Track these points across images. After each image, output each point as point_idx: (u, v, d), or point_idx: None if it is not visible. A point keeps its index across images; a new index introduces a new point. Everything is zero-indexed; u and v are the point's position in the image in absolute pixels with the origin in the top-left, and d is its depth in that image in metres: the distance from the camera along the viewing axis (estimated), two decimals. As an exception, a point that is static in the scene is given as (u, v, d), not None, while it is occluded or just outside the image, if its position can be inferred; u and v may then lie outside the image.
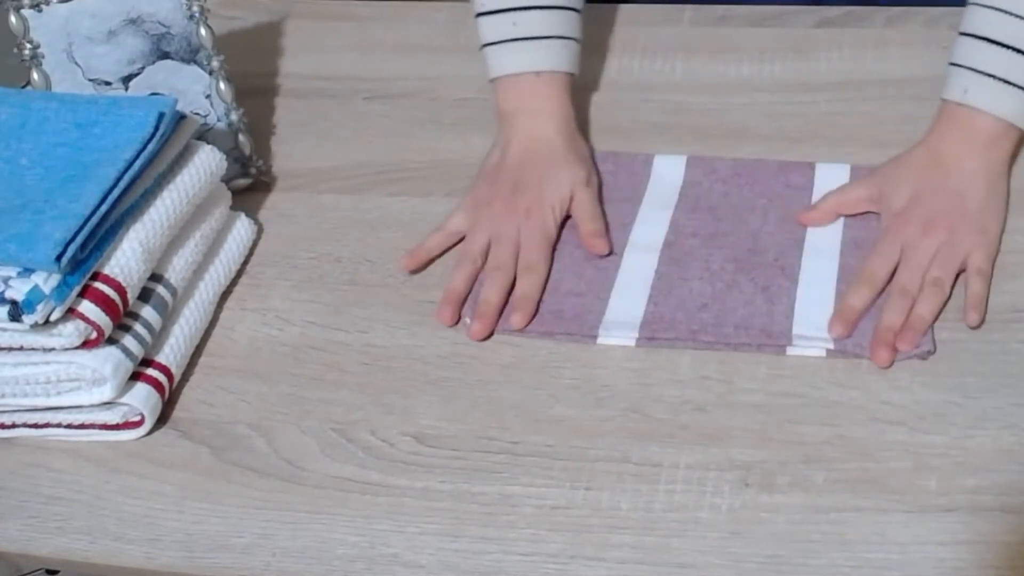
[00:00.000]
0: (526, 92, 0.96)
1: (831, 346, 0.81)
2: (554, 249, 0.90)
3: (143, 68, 0.97)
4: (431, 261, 0.91)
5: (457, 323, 0.86)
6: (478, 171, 0.96)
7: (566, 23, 0.97)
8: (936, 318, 0.82)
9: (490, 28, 0.98)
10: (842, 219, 0.89)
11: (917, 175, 0.88)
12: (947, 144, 0.89)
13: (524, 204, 0.91)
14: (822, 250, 0.87)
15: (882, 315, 0.81)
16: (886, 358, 0.79)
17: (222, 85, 0.98)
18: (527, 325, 0.85)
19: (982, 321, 0.81)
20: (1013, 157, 0.90)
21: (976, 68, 0.87)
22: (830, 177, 0.93)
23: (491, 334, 0.85)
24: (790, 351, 0.81)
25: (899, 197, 0.88)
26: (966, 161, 0.88)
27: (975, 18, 0.88)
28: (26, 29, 0.95)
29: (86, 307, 0.77)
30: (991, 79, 0.86)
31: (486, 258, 0.89)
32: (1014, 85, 0.86)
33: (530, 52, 0.96)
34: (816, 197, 0.91)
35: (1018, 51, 0.85)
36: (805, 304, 0.83)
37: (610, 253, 0.89)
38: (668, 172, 0.95)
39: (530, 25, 0.96)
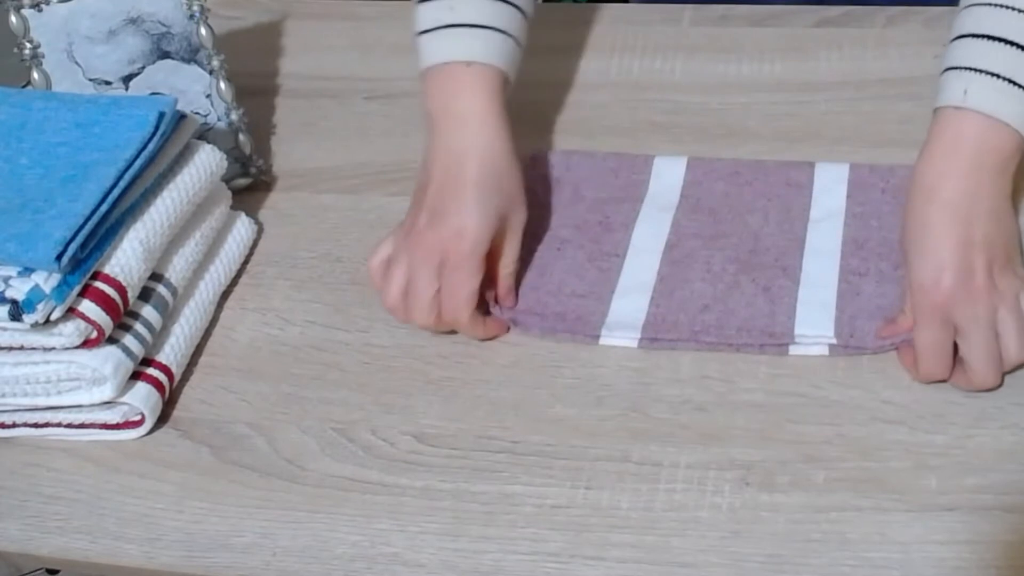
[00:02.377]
0: (451, 87, 0.86)
1: (834, 341, 0.80)
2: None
3: (143, 68, 0.97)
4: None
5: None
6: (413, 193, 0.88)
7: (509, 19, 0.88)
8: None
9: (426, 15, 0.88)
10: (842, 219, 0.89)
11: (932, 235, 0.77)
12: (947, 170, 0.78)
13: (445, 234, 0.82)
14: (823, 250, 0.87)
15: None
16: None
17: (222, 85, 0.98)
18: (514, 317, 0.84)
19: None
20: (1017, 160, 0.79)
21: (976, 66, 0.78)
22: (830, 176, 0.93)
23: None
24: (792, 350, 0.81)
25: (923, 271, 0.77)
26: (973, 191, 0.77)
27: (970, 18, 0.80)
28: (26, 29, 0.95)
29: (86, 306, 0.77)
30: (992, 78, 0.77)
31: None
32: (1017, 85, 0.77)
33: (463, 40, 0.86)
34: (816, 196, 0.91)
35: (1020, 47, 0.77)
36: (807, 304, 0.83)
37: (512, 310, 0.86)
38: (669, 173, 0.95)
39: (468, 12, 0.87)
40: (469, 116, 0.85)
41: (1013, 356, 0.75)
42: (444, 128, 0.86)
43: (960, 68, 0.79)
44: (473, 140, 0.85)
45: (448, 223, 0.82)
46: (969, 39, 0.79)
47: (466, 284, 0.82)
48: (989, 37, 0.78)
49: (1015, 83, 0.77)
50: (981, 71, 0.78)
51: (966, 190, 0.77)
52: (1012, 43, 0.77)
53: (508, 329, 0.85)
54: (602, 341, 0.84)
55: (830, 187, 0.92)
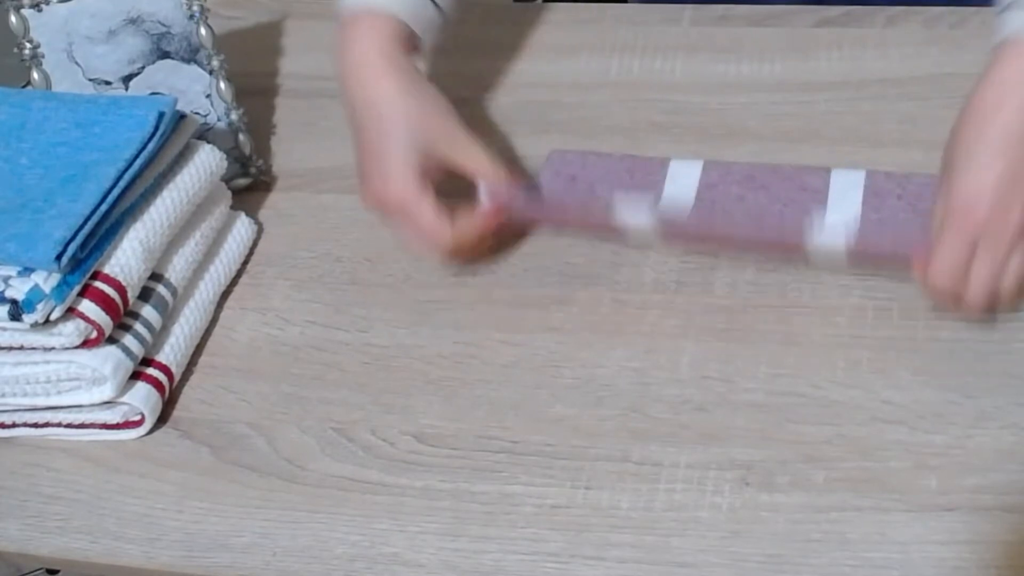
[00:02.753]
0: (355, 37, 0.86)
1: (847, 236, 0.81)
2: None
3: (143, 68, 0.97)
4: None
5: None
6: None
7: None
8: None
9: None
10: (857, 226, 0.88)
11: (980, 154, 0.76)
12: (1008, 99, 0.76)
13: (382, 201, 0.85)
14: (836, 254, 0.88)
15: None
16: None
17: (222, 85, 0.98)
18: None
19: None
20: None
21: None
22: (845, 182, 0.92)
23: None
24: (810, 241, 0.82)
25: (963, 187, 0.76)
26: None
27: None
28: (26, 29, 0.95)
29: (86, 306, 0.77)
30: None
31: None
32: None
33: None
34: (831, 202, 0.91)
35: None
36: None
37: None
38: (684, 176, 0.95)
39: None
40: (370, 72, 0.86)
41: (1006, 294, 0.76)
42: (347, 91, 0.87)
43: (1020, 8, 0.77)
44: (367, 92, 0.86)
45: (373, 182, 0.85)
46: None
47: (419, 221, 0.83)
48: None
49: None
50: None
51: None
52: None
53: (500, 216, 0.85)
54: (618, 217, 0.83)
55: (845, 192, 0.91)
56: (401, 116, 0.85)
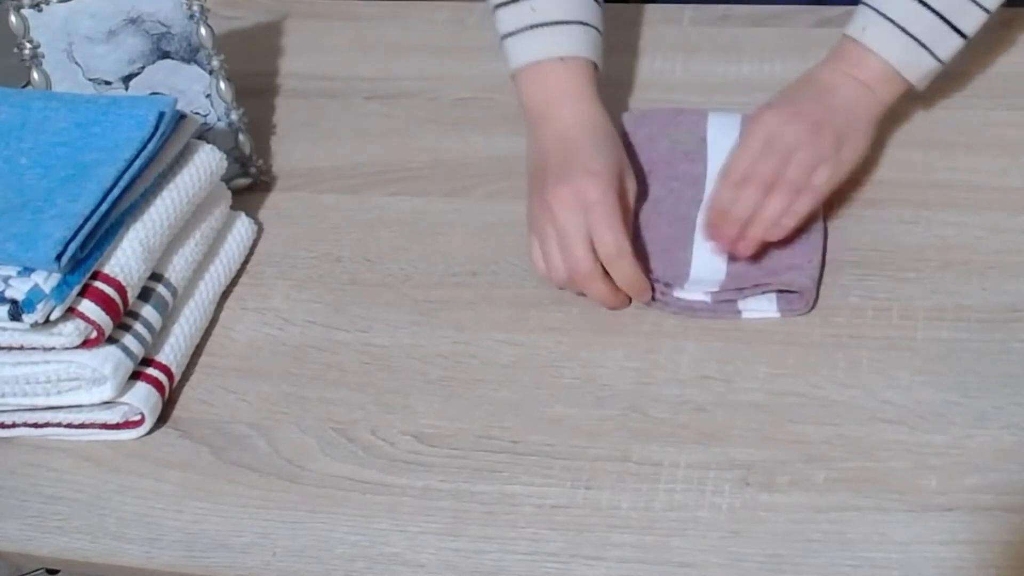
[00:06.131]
0: (551, 81, 0.91)
1: (715, 289, 0.84)
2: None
3: (143, 68, 0.97)
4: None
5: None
6: (528, 185, 0.89)
7: (587, 10, 0.93)
8: (782, 215, 0.84)
9: (508, 18, 0.93)
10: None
11: (795, 87, 0.91)
12: (832, 73, 0.90)
13: (579, 187, 0.84)
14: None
15: (733, 206, 0.84)
16: (745, 248, 0.84)
17: (222, 85, 0.98)
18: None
19: (786, 232, 0.84)
20: (892, 106, 0.92)
21: (880, 10, 0.89)
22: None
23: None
24: (677, 293, 0.84)
25: (773, 102, 0.89)
26: (845, 91, 0.89)
27: None
28: (26, 29, 0.95)
29: (86, 306, 0.77)
30: (890, 23, 0.88)
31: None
32: (909, 35, 0.88)
33: (551, 37, 0.92)
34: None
35: (923, 3, 0.87)
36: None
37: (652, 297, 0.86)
38: (723, 132, 0.96)
39: (549, 11, 0.92)
40: (572, 103, 0.90)
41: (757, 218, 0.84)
42: (549, 117, 0.90)
43: (868, 7, 0.90)
44: (581, 118, 0.90)
45: (577, 175, 0.84)
46: None
47: (614, 216, 0.83)
48: None
49: (907, 32, 0.88)
50: (882, 14, 0.89)
51: (835, 79, 0.90)
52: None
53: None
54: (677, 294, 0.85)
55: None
56: (612, 137, 0.90)
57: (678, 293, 0.85)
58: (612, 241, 0.82)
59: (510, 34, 0.93)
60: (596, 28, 0.94)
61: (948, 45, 0.89)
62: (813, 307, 0.84)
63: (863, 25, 0.90)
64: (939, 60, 0.89)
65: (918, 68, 0.90)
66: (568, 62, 0.91)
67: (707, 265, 0.86)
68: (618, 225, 0.83)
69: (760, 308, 0.84)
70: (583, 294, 0.86)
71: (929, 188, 0.92)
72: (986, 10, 0.89)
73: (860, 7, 0.91)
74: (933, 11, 0.88)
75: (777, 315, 0.84)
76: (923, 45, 0.88)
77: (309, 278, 0.93)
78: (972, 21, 0.89)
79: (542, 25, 0.92)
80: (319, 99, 1.11)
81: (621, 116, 1.00)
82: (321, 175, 1.02)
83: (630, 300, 0.86)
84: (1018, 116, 0.98)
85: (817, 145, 0.86)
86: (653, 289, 0.85)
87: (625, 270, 0.83)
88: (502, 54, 0.94)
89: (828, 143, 0.86)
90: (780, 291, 0.84)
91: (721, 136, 0.95)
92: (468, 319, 0.87)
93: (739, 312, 0.84)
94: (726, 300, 0.84)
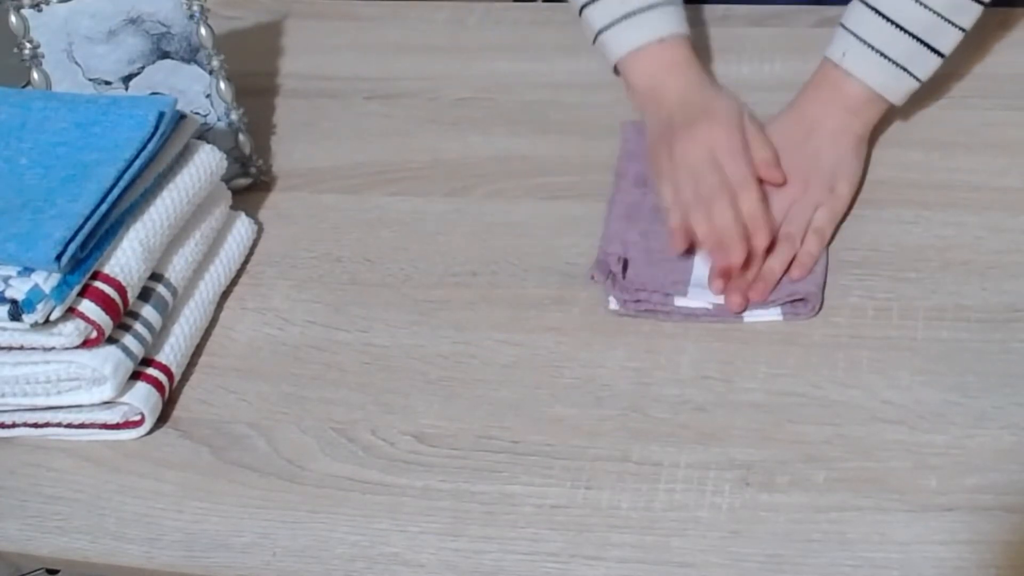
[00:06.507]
0: (657, 61, 0.96)
1: (719, 301, 0.84)
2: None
3: (143, 68, 0.97)
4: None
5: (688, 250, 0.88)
6: (649, 152, 0.94)
7: None
8: (786, 271, 0.85)
9: (599, 14, 0.97)
10: None
11: (779, 132, 0.93)
12: (814, 104, 0.93)
13: (704, 130, 0.90)
14: None
15: (736, 265, 0.85)
16: (738, 303, 0.83)
17: (222, 85, 0.98)
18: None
19: (803, 277, 0.85)
20: (877, 122, 0.94)
21: (858, 35, 0.90)
22: None
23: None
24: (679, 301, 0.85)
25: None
26: (828, 121, 0.92)
27: None
28: (26, 29, 0.95)
29: (86, 306, 0.77)
30: (869, 48, 0.90)
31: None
32: (888, 59, 0.90)
33: (648, 22, 0.96)
34: None
35: (900, 28, 0.89)
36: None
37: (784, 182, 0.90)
38: None
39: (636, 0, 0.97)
40: (681, 70, 0.96)
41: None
42: (664, 90, 0.95)
43: (847, 31, 0.92)
44: (694, 81, 0.96)
45: (702, 123, 0.90)
46: (863, 7, 0.91)
47: (740, 152, 0.89)
48: (877, 11, 0.90)
49: (886, 56, 0.90)
50: (861, 40, 0.91)
51: (817, 112, 0.93)
52: (893, 23, 0.90)
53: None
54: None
55: None
56: (724, 91, 0.96)
57: (679, 301, 0.85)
58: (739, 171, 0.88)
59: (605, 29, 0.97)
60: (678, 5, 0.99)
61: (926, 65, 0.90)
62: (819, 311, 0.84)
63: (843, 50, 0.91)
64: (918, 80, 0.91)
65: (898, 90, 0.92)
66: (667, 41, 0.97)
67: (708, 275, 0.86)
68: (744, 159, 0.88)
69: (764, 314, 0.84)
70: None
71: (929, 188, 0.92)
72: (962, 29, 0.90)
73: (839, 29, 0.92)
74: (910, 35, 0.89)
75: (780, 319, 0.84)
76: (902, 68, 0.90)
77: (309, 278, 0.93)
78: (949, 40, 0.90)
79: (636, 13, 0.96)
80: (319, 99, 1.11)
81: (620, 125, 1.00)
82: (321, 175, 1.02)
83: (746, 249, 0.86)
84: (1018, 116, 0.98)
85: (809, 195, 0.89)
86: (653, 303, 0.85)
87: (751, 199, 0.87)
88: (599, 50, 0.99)
89: (820, 189, 0.89)
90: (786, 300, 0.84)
91: None
92: (468, 319, 0.87)
93: (742, 318, 0.84)
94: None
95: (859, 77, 0.91)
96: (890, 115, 0.98)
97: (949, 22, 0.89)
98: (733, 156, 0.89)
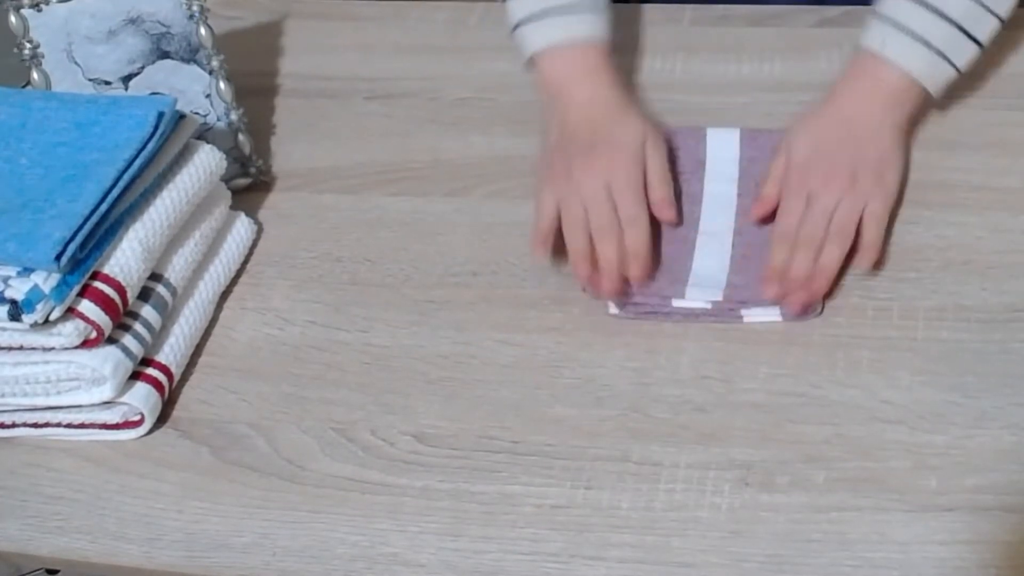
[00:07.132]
0: (569, 61, 0.96)
1: (718, 299, 0.84)
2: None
3: (143, 68, 0.97)
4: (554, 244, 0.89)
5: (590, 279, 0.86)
6: (542, 152, 0.94)
7: None
8: (840, 267, 0.84)
9: (519, 7, 0.97)
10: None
11: (820, 127, 0.91)
12: (853, 95, 0.91)
13: (604, 160, 0.89)
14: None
15: (790, 267, 0.84)
16: (803, 300, 0.82)
17: (222, 85, 0.98)
18: (643, 281, 0.86)
19: (872, 265, 0.85)
20: (916, 115, 0.93)
21: (897, 22, 0.89)
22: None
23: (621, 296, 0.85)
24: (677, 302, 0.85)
25: (801, 149, 0.89)
26: (869, 113, 0.90)
27: None
28: (26, 29, 0.95)
29: (86, 306, 0.77)
30: (909, 35, 0.89)
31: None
32: (929, 46, 0.89)
33: (568, 23, 0.96)
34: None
35: (939, 14, 0.88)
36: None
37: (679, 224, 0.90)
38: (722, 147, 0.96)
39: None
40: (593, 75, 0.95)
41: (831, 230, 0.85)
42: (570, 95, 0.94)
43: (885, 19, 0.90)
44: (603, 87, 0.95)
45: (602, 149, 0.89)
46: None
47: (636, 186, 0.88)
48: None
49: (926, 42, 0.89)
50: (900, 27, 0.90)
51: (857, 104, 0.91)
52: (932, 8, 0.89)
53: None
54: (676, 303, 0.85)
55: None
56: (631, 110, 0.94)
57: (678, 303, 0.85)
58: (631, 210, 0.86)
59: (523, 22, 0.97)
60: (604, 12, 0.98)
61: (965, 54, 0.90)
62: (821, 312, 0.84)
63: (882, 39, 0.90)
64: (957, 69, 0.90)
65: (938, 78, 0.91)
66: (582, 46, 0.95)
67: (706, 279, 0.86)
68: (639, 198, 0.87)
69: (764, 314, 0.84)
70: (580, 289, 0.86)
71: (929, 188, 0.92)
72: (1000, 19, 0.90)
73: (873, 20, 0.91)
74: (950, 21, 0.89)
75: (780, 319, 0.84)
76: (942, 55, 0.89)
77: (309, 278, 0.93)
78: (987, 29, 0.90)
79: (556, 12, 0.96)
80: (319, 99, 1.11)
81: None
82: (321, 175, 1.02)
83: (626, 285, 0.86)
84: (1018, 116, 0.98)
85: (857, 191, 0.87)
86: (652, 306, 0.85)
87: (636, 236, 0.86)
88: (515, 42, 0.97)
89: (868, 183, 0.87)
90: None
91: (720, 151, 0.96)
92: (468, 319, 0.87)
93: (741, 317, 0.84)
94: (728, 308, 0.84)
95: (900, 65, 0.90)
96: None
97: (987, 8, 0.89)
98: (627, 194, 0.87)
